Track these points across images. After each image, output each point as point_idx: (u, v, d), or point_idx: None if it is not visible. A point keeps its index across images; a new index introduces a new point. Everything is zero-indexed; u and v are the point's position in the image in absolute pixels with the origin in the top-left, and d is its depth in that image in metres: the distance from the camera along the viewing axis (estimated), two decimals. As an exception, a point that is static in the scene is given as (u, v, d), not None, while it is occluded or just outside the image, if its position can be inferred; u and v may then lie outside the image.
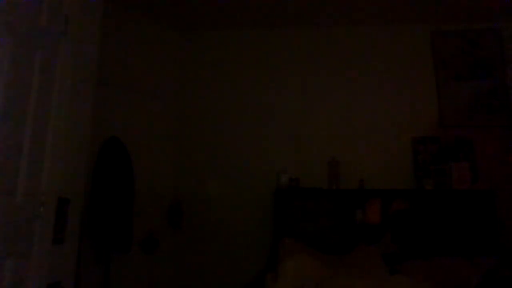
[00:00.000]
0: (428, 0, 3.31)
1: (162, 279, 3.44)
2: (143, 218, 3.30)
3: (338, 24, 3.73)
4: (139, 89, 3.54)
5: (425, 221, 3.18)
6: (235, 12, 3.59)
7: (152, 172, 3.51)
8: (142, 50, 3.62)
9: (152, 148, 3.56)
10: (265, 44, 3.85)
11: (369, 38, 3.72)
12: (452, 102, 3.50)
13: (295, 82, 3.74)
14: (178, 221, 3.53)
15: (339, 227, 3.27)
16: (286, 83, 3.75)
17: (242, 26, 3.83)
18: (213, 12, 3.60)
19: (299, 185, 3.39)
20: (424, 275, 2.55)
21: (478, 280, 2.48)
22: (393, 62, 3.65)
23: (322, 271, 2.62)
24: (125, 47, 3.47)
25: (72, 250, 1.85)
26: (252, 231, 3.49)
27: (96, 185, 2.94)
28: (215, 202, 3.60)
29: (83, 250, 2.63)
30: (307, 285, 2.41)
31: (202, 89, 3.85)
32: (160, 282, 3.42)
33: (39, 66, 1.57)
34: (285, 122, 3.67)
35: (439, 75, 3.57)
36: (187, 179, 3.67)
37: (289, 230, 3.28)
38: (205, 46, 3.92)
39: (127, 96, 3.43)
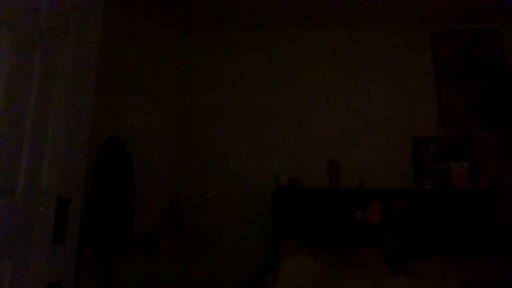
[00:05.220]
0: (428, 0, 3.31)
1: (162, 279, 3.44)
2: (143, 218, 3.30)
3: (338, 24, 3.73)
4: (139, 89, 3.54)
5: (425, 221, 3.18)
6: (235, 12, 3.59)
7: (152, 172, 3.51)
8: (142, 50, 3.62)
9: (152, 148, 3.56)
10: (265, 44, 3.85)
11: (369, 38, 3.72)
12: (452, 102, 3.50)
13: (295, 82, 3.73)
14: (178, 221, 3.53)
15: (339, 227, 3.27)
16: (286, 83, 3.74)
17: (242, 26, 3.83)
18: (213, 12, 3.60)
19: (299, 185, 3.39)
20: (424, 275, 2.55)
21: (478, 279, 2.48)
22: (393, 62, 3.65)
23: (322, 271, 2.62)
24: (125, 47, 3.47)
25: (72, 250, 1.85)
26: (252, 231, 3.50)
27: (96, 185, 2.94)
28: (215, 202, 3.60)
29: (83, 250, 2.63)
30: (307, 285, 2.41)
31: (202, 89, 3.85)
32: (160, 282, 3.42)
33: (39, 66, 1.57)
34: (285, 122, 3.67)
35: (439, 75, 3.57)
36: (187, 179, 3.67)
37: (289, 230, 3.28)
38: (205, 46, 3.92)
39: (127, 96, 3.43)
